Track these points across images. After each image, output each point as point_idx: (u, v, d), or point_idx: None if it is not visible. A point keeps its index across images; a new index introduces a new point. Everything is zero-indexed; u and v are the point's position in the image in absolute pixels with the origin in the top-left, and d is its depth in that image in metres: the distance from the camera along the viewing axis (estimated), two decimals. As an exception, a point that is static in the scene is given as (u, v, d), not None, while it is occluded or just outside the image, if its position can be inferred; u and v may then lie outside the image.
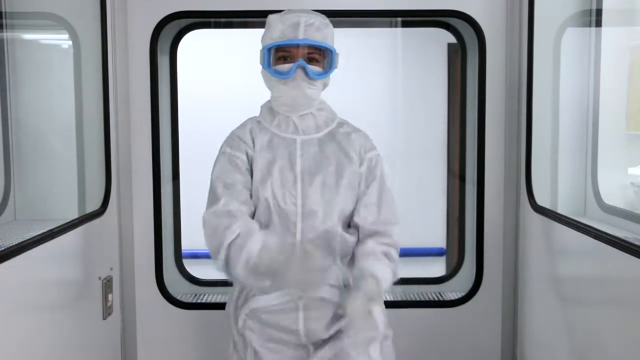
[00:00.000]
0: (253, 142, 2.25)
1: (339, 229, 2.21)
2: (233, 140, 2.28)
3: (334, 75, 2.28)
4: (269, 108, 2.30)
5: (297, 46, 2.17)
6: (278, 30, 2.19)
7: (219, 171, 2.23)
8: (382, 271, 2.12)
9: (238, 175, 2.21)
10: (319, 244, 2.18)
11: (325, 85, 2.30)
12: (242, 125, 2.33)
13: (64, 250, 2.48)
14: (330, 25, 2.25)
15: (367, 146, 2.30)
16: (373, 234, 2.21)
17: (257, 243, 2.07)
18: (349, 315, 2.06)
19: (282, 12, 2.23)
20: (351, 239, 2.23)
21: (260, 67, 2.26)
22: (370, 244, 2.19)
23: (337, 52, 2.24)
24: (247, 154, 2.24)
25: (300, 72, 2.17)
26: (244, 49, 4.65)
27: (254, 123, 2.31)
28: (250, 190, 2.21)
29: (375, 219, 2.23)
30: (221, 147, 2.29)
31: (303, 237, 2.17)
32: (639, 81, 3.04)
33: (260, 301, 2.21)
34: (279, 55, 2.21)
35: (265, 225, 2.19)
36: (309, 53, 2.18)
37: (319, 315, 2.20)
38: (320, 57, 2.21)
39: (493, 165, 3.13)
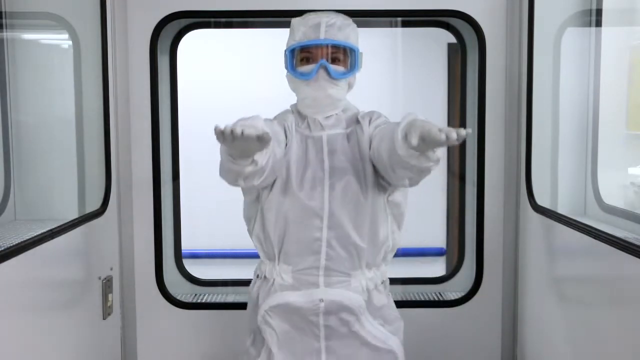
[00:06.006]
0: (290, 130, 2.22)
1: (367, 236, 2.18)
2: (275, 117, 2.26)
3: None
4: (297, 111, 2.28)
5: (319, 47, 2.16)
6: (300, 32, 2.17)
7: None
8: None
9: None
10: (344, 244, 2.17)
11: (350, 86, 2.26)
12: (283, 113, 2.31)
13: (64, 250, 2.48)
14: (353, 25, 2.23)
15: (373, 117, 2.26)
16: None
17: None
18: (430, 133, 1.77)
19: (304, 15, 2.21)
20: (382, 240, 2.21)
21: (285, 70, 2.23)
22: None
23: (360, 51, 2.22)
24: (284, 129, 2.20)
25: (322, 73, 2.15)
26: (244, 49, 4.70)
27: (292, 116, 2.27)
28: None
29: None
30: None
31: (329, 234, 2.16)
32: (639, 81, 3.04)
33: (282, 298, 2.19)
34: (301, 57, 2.19)
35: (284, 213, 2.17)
36: (332, 53, 2.17)
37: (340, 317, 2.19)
38: (343, 57, 2.20)
39: (493, 165, 3.13)
